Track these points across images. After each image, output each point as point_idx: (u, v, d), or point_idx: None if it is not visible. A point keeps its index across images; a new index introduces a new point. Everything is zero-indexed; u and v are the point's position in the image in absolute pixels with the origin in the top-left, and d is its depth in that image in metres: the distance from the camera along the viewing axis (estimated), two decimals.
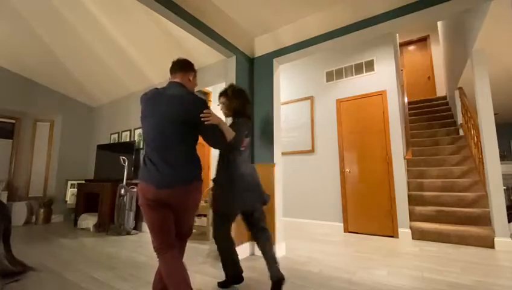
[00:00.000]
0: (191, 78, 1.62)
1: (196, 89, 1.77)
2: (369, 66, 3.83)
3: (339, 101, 4.03)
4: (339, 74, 4.10)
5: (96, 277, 2.13)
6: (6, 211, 2.44)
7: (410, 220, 3.41)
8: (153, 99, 1.48)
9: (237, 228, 2.55)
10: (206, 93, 4.97)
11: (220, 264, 1.94)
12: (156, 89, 1.52)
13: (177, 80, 1.56)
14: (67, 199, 5.01)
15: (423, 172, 4.04)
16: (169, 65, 1.61)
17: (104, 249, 2.96)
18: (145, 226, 3.97)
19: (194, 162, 1.49)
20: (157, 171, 1.38)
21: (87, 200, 4.49)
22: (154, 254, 1.43)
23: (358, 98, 3.86)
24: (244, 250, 2.61)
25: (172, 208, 1.43)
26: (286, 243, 3.08)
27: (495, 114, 5.56)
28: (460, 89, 4.50)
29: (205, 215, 3.37)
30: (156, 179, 1.38)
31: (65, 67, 4.41)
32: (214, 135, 1.55)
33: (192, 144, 1.51)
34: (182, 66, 1.59)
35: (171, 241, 1.42)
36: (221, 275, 2.02)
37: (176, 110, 1.43)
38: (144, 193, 1.40)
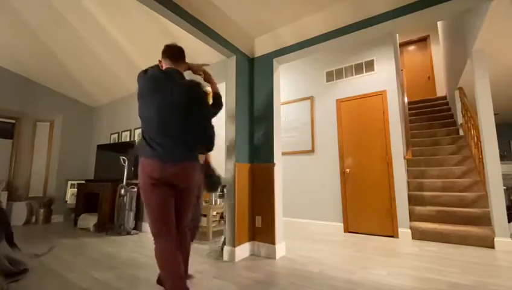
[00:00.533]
0: (185, 68, 1.69)
1: None
2: (369, 66, 3.83)
3: (339, 101, 4.03)
4: (339, 74, 4.10)
5: (96, 276, 2.13)
6: (4, 216, 2.48)
7: (410, 220, 3.42)
8: (155, 80, 1.47)
9: (237, 228, 2.55)
10: (207, 94, 4.97)
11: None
12: (157, 70, 1.52)
13: (177, 67, 1.58)
14: (67, 199, 5.02)
15: (423, 172, 4.04)
16: None
17: (104, 249, 2.96)
18: (145, 226, 3.97)
19: (193, 145, 1.56)
20: (162, 148, 1.41)
21: (87, 200, 4.49)
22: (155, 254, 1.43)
23: (358, 98, 3.86)
24: (244, 250, 2.61)
25: (176, 190, 1.47)
26: (286, 243, 3.08)
27: (495, 114, 5.56)
28: (460, 89, 4.50)
29: (205, 216, 3.38)
30: (160, 154, 1.40)
31: (65, 68, 4.41)
32: (211, 126, 1.71)
33: (192, 131, 1.56)
34: (182, 56, 1.63)
35: (170, 227, 1.41)
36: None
37: (184, 98, 1.48)
38: (148, 171, 1.39)
